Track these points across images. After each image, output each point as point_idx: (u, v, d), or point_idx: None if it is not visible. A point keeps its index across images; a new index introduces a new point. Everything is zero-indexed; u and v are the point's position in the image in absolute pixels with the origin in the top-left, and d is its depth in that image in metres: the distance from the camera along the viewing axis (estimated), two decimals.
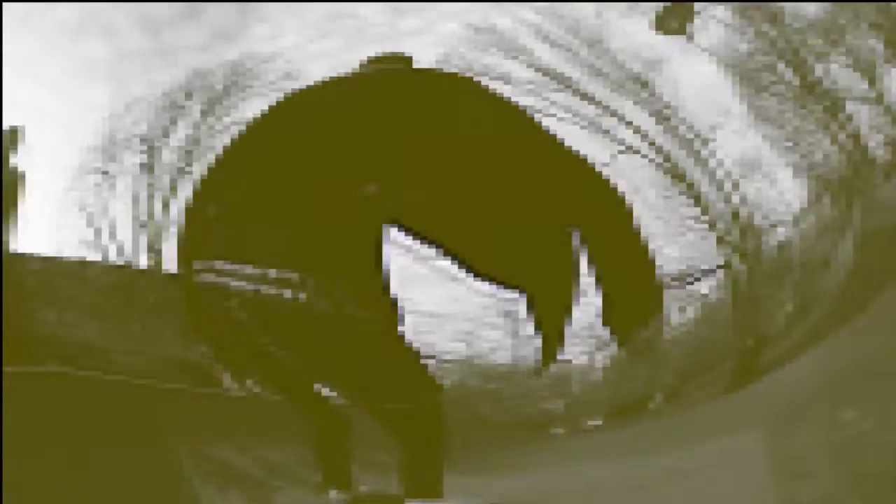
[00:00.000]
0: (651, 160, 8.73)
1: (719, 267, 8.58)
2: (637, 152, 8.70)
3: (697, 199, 8.66)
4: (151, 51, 9.41)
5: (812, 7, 8.39)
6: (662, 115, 8.67)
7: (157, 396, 6.24)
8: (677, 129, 8.65)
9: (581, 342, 8.71)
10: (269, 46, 9.01)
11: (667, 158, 8.77)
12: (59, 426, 5.03)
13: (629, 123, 8.79)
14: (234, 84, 9.22)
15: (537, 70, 8.74)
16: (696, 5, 8.57)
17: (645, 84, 8.73)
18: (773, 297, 8.44)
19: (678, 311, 8.73)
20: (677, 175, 8.60)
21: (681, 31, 8.54)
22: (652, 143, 8.75)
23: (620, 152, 8.67)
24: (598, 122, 8.78)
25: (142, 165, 9.19)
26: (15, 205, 8.80)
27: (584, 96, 8.73)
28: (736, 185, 8.51)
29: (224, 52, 9.50)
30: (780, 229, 8.55)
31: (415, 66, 3.60)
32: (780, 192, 8.55)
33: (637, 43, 8.82)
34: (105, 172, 9.11)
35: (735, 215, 8.49)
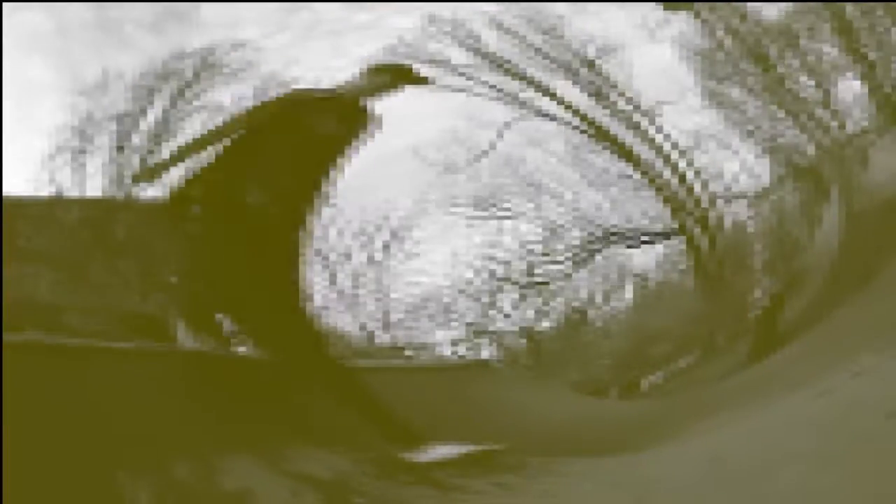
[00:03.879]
0: (568, 124, 8.56)
1: (674, 232, 8.28)
2: (550, 117, 8.47)
3: (627, 156, 8.48)
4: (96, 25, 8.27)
5: (773, 10, 8.48)
6: (598, 91, 8.52)
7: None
8: (615, 103, 8.53)
9: None
10: (228, 33, 8.27)
11: (591, 124, 8.64)
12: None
13: (553, 95, 8.49)
14: (203, 71, 8.24)
15: (476, 54, 8.50)
16: None
17: (590, 65, 8.55)
18: (744, 273, 8.15)
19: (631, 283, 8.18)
20: (603, 136, 8.41)
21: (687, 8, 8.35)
22: (576, 112, 8.61)
23: (524, 118, 8.43)
24: (515, 94, 8.61)
25: (114, 147, 8.35)
26: None
27: (515, 75, 8.52)
28: (683, 153, 8.40)
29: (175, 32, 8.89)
30: (743, 202, 8.38)
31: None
32: (742, 165, 8.48)
33: (596, 32, 8.66)
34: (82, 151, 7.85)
35: (683, 178, 8.33)
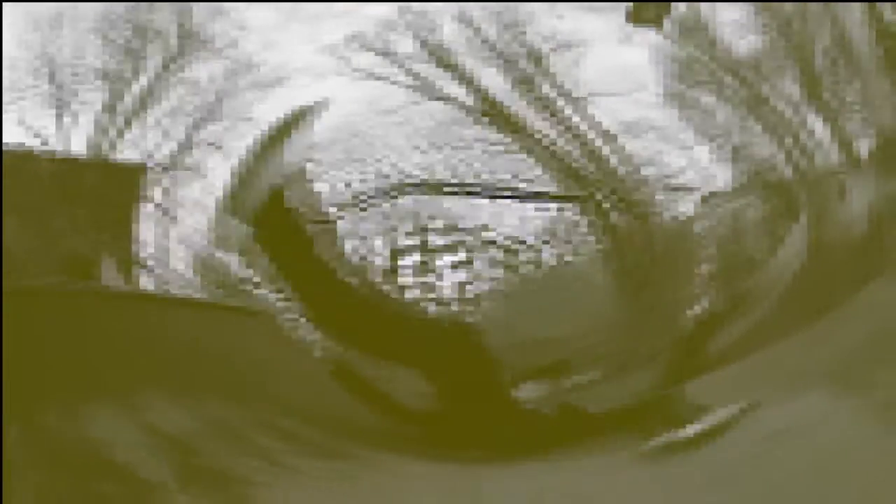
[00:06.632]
0: (462, 106, 7.78)
1: (566, 198, 7.41)
2: (449, 101, 7.79)
3: (514, 129, 7.78)
4: None
5: (744, 45, 7.84)
6: (526, 79, 7.86)
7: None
8: (539, 89, 7.76)
9: None
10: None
11: (491, 105, 7.79)
12: None
13: (468, 82, 7.91)
14: (187, 45, 8.45)
15: (422, 45, 7.97)
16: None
17: (533, 55, 7.96)
18: (682, 278, 7.33)
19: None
20: (496, 114, 7.76)
21: (657, 24, 7.85)
22: (484, 98, 7.89)
23: (419, 103, 7.74)
24: (431, 82, 7.91)
25: (104, 105, 8.29)
26: None
27: (444, 64, 8.07)
28: (609, 138, 7.62)
29: None
30: (689, 197, 7.52)
31: None
32: (692, 162, 7.66)
33: (563, 30, 8.00)
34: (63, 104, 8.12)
35: (593, 154, 7.59)
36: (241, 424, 4.86)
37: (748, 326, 6.81)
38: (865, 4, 7.28)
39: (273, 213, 6.36)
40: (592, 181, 7.27)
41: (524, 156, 7.40)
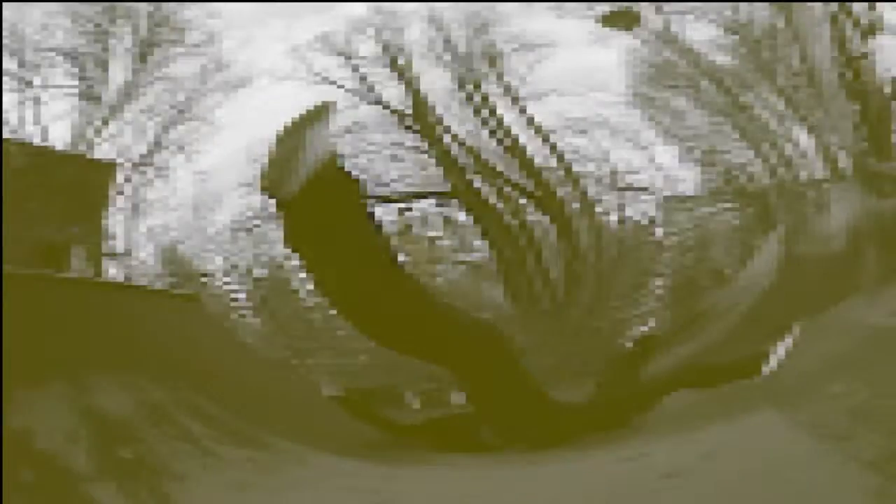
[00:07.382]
0: (387, 108, 7.78)
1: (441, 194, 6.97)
2: (382, 105, 7.79)
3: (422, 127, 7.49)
4: None
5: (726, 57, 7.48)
6: (472, 81, 7.64)
7: None
8: (479, 89, 7.61)
9: None
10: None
11: (418, 108, 7.77)
12: None
13: (408, 84, 7.86)
14: (161, 32, 8.39)
15: (380, 47, 7.94)
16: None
17: (490, 57, 7.75)
18: (625, 294, 6.85)
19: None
20: (422, 117, 7.47)
21: (629, 29, 7.66)
22: (416, 99, 7.80)
23: (351, 107, 7.79)
24: (371, 84, 7.91)
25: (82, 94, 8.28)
26: None
27: (394, 66, 7.89)
28: (539, 132, 7.23)
29: None
30: (645, 199, 7.04)
31: None
32: (650, 161, 7.24)
33: (534, 31, 7.75)
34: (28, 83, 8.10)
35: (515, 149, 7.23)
36: (174, 408, 4.91)
37: (694, 349, 6.49)
38: (833, 28, 7.02)
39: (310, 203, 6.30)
40: (504, 178, 6.93)
41: (426, 157, 7.19)
